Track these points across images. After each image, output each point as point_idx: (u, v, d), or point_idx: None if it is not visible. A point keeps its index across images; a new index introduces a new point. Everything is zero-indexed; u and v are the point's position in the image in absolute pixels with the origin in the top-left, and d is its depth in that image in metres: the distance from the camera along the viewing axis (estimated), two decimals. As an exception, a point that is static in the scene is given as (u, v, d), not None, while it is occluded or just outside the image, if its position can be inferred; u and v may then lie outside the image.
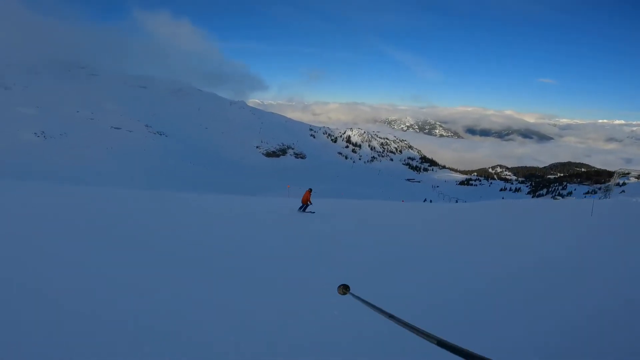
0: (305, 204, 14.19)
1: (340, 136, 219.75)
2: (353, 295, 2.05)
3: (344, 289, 2.17)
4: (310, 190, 14.67)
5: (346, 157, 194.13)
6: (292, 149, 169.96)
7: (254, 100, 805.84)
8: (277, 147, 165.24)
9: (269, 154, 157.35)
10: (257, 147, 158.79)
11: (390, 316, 1.53)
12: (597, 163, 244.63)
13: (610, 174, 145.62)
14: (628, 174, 30.94)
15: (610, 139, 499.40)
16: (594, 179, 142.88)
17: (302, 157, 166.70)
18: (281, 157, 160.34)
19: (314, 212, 13.98)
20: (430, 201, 67.89)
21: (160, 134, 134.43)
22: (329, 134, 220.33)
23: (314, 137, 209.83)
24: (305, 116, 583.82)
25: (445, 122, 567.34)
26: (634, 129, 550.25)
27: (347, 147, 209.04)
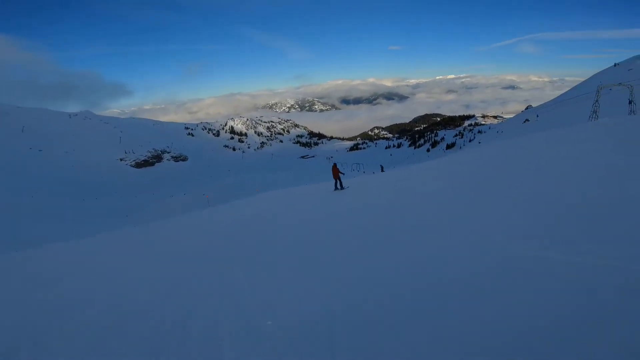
0: (338, 179, 13.38)
1: (223, 128, 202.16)
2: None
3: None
4: (335, 164, 13.89)
5: (234, 149, 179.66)
6: (168, 152, 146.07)
7: (114, 110, 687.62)
8: (149, 154, 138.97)
9: (139, 165, 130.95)
10: (121, 160, 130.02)
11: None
12: (447, 111, 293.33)
13: (463, 118, 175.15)
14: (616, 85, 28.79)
15: (449, 91, 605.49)
16: (451, 124, 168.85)
17: (183, 160, 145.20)
18: (156, 164, 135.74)
19: (348, 187, 13.23)
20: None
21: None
22: (209, 129, 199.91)
23: (193, 136, 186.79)
24: (180, 117, 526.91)
25: (322, 97, 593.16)
26: (463, 80, 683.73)
27: (232, 138, 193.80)
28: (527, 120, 47.60)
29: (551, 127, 21.61)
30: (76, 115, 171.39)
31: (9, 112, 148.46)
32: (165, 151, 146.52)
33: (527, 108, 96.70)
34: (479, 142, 56.67)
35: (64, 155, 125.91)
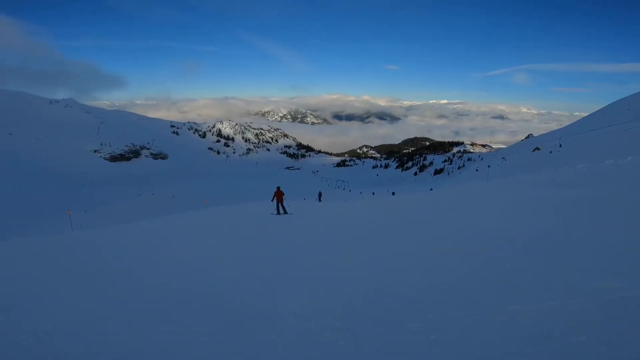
0: (281, 203, 12.78)
1: (210, 130, 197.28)
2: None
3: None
4: (279, 187, 13.09)
5: (218, 152, 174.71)
6: (148, 149, 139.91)
7: (103, 101, 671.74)
8: (126, 148, 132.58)
9: (114, 158, 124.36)
10: (94, 152, 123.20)
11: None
12: (436, 136, 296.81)
13: (452, 144, 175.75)
14: None
15: (441, 116, 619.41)
16: (440, 149, 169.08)
17: (162, 158, 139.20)
18: (133, 160, 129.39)
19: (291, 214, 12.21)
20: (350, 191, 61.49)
21: None
22: (196, 129, 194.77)
23: (178, 134, 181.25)
24: (171, 115, 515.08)
25: (315, 110, 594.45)
26: (455, 106, 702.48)
27: (218, 141, 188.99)
28: (537, 148, 44.60)
29: (588, 158, 17.92)
30: (57, 102, 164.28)
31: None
32: (145, 147, 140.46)
33: (527, 137, 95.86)
34: (477, 170, 53.95)
35: (35, 140, 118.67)
